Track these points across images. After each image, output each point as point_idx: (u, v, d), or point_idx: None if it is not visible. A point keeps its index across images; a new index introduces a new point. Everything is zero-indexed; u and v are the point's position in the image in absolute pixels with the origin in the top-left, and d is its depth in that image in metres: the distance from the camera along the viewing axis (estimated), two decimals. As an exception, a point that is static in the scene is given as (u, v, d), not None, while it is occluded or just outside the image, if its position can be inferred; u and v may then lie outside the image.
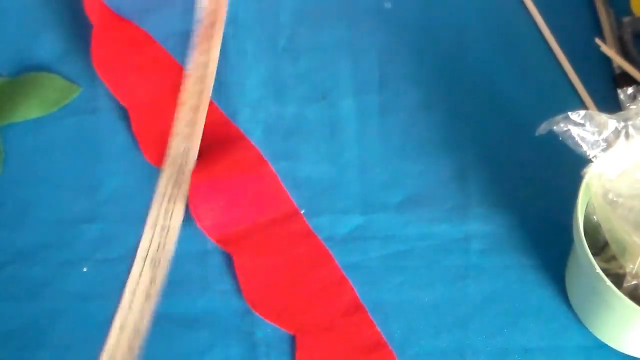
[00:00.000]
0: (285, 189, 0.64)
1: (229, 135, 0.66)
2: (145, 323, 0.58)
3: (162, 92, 0.68)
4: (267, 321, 0.59)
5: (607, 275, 0.52)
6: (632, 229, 0.52)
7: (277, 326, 0.59)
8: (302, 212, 0.63)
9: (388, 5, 0.72)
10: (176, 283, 0.61)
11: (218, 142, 0.65)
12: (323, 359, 0.58)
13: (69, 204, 0.63)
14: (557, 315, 0.59)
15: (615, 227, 0.53)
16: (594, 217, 0.54)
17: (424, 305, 0.60)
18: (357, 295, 0.60)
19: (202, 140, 0.65)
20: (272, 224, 0.63)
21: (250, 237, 0.62)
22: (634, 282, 0.53)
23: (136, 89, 0.68)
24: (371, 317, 0.59)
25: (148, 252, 0.60)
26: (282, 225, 0.63)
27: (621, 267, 0.54)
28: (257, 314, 0.59)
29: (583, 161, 0.53)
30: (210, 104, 0.67)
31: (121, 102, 0.67)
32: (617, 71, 0.67)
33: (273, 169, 0.64)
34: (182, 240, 0.62)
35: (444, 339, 0.59)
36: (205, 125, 0.66)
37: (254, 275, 0.61)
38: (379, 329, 0.59)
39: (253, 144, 0.65)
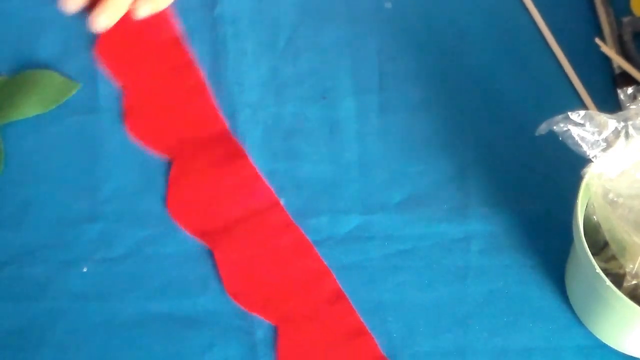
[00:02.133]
0: (265, 179, 0.64)
1: (210, 129, 0.66)
2: None
3: (160, 72, 0.68)
4: (249, 312, 0.60)
5: (607, 275, 0.52)
6: (632, 228, 0.52)
7: (261, 317, 0.60)
8: (281, 202, 0.63)
9: (388, 5, 0.72)
10: (176, 283, 0.61)
11: (198, 138, 0.66)
12: (305, 348, 0.59)
13: (69, 204, 0.63)
14: (557, 315, 0.60)
15: (615, 227, 0.53)
16: (594, 217, 0.54)
17: (424, 305, 0.60)
18: (338, 283, 0.60)
19: (182, 134, 0.66)
20: (252, 216, 0.63)
21: (231, 230, 0.62)
22: (634, 282, 0.53)
23: (135, 68, 0.68)
24: (352, 305, 0.60)
25: None
26: (262, 216, 0.63)
27: (621, 267, 0.54)
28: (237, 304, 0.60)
29: (583, 161, 0.53)
30: (205, 96, 0.67)
31: (117, 80, 0.67)
32: (617, 71, 0.68)
33: (251, 161, 0.64)
34: (182, 240, 0.62)
35: (444, 339, 0.59)
36: (189, 117, 0.67)
37: (235, 267, 0.61)
38: (359, 316, 0.59)
39: (233, 136, 0.66)
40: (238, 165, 0.65)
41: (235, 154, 0.65)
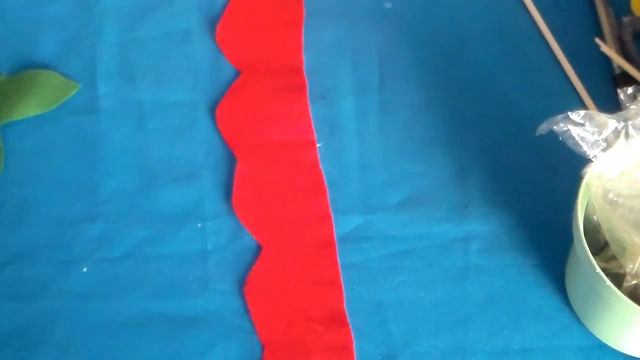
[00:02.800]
0: (312, 121, 0.66)
1: (288, 59, 0.69)
2: None
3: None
4: (242, 225, 0.62)
5: (607, 275, 0.52)
6: (632, 228, 0.52)
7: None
8: (318, 145, 0.65)
9: (388, 5, 0.72)
10: (176, 283, 0.61)
11: (273, 62, 0.69)
12: (279, 276, 0.61)
13: (69, 204, 0.63)
14: (557, 315, 0.60)
15: (615, 227, 0.53)
16: (594, 217, 0.54)
17: (424, 305, 0.60)
18: (335, 234, 0.62)
19: (260, 54, 0.69)
20: (285, 145, 0.66)
21: (260, 149, 0.65)
22: (634, 281, 0.53)
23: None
24: (337, 256, 0.61)
25: None
26: (294, 149, 0.65)
27: (621, 267, 0.54)
28: (236, 215, 0.63)
29: (583, 161, 0.53)
30: (297, 30, 0.70)
31: None
32: (617, 71, 0.68)
33: (307, 100, 0.67)
34: (182, 240, 0.62)
35: (443, 338, 0.59)
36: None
37: (249, 182, 0.64)
38: (339, 268, 0.60)
39: (303, 72, 0.68)
40: (295, 98, 0.67)
41: (297, 88, 0.68)
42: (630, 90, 0.55)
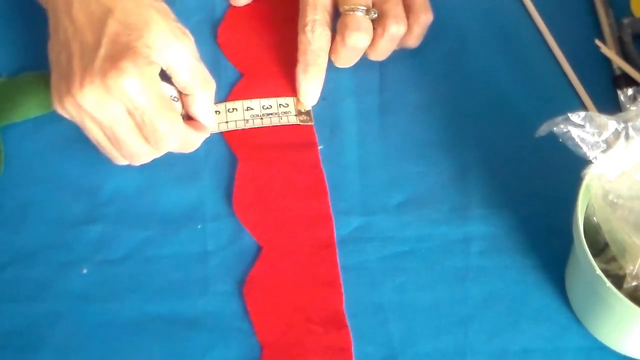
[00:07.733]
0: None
1: (289, 62, 0.68)
2: None
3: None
4: (243, 226, 0.62)
5: (607, 276, 0.52)
6: (632, 230, 0.52)
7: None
8: (320, 147, 0.66)
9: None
10: (176, 284, 0.61)
11: (274, 65, 0.69)
12: (278, 279, 0.61)
13: (69, 205, 0.63)
14: (557, 316, 0.60)
15: (615, 228, 0.53)
16: (594, 218, 0.55)
17: (424, 305, 0.60)
18: (335, 235, 0.62)
19: (260, 55, 0.70)
20: (286, 146, 0.66)
21: (261, 151, 0.65)
22: (634, 283, 0.53)
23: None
24: (337, 257, 0.61)
25: None
26: (296, 150, 0.66)
27: (621, 268, 0.54)
28: (236, 215, 0.63)
29: (583, 162, 0.53)
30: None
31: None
32: (617, 72, 0.68)
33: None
34: (182, 240, 0.62)
35: (444, 340, 0.59)
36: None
37: (250, 183, 0.64)
38: (339, 270, 0.60)
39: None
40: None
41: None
42: (630, 91, 0.55)
